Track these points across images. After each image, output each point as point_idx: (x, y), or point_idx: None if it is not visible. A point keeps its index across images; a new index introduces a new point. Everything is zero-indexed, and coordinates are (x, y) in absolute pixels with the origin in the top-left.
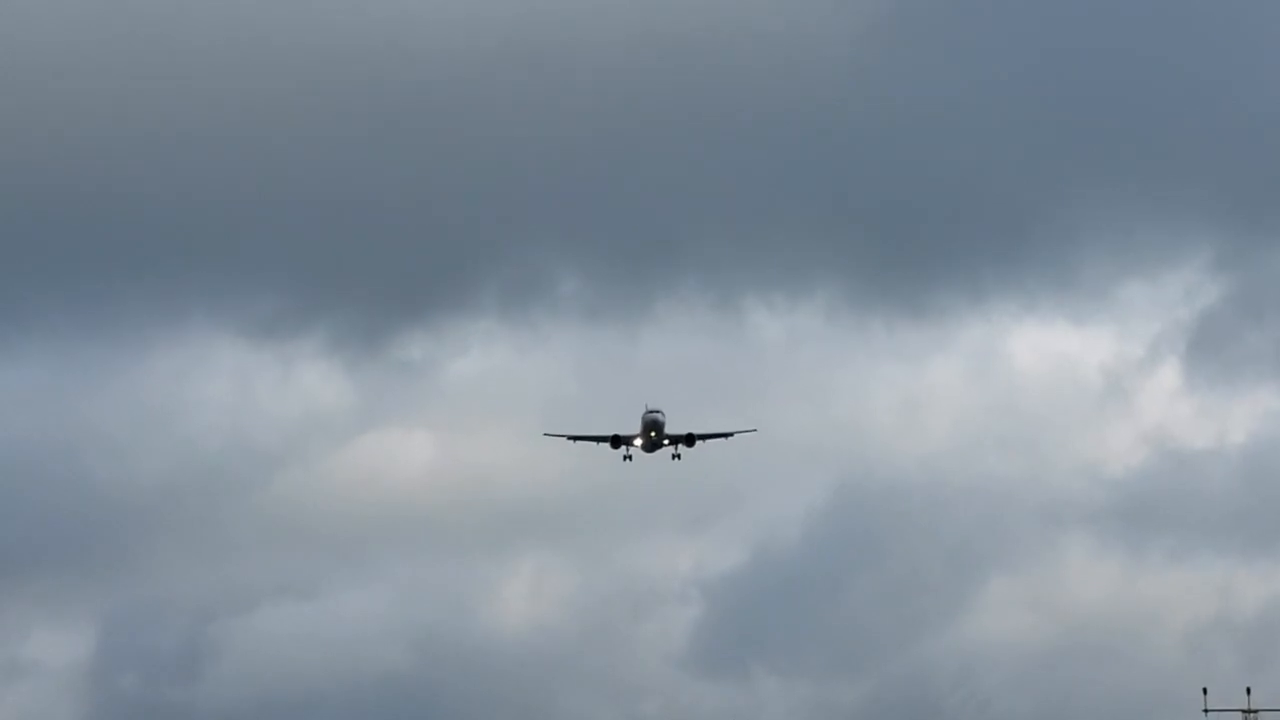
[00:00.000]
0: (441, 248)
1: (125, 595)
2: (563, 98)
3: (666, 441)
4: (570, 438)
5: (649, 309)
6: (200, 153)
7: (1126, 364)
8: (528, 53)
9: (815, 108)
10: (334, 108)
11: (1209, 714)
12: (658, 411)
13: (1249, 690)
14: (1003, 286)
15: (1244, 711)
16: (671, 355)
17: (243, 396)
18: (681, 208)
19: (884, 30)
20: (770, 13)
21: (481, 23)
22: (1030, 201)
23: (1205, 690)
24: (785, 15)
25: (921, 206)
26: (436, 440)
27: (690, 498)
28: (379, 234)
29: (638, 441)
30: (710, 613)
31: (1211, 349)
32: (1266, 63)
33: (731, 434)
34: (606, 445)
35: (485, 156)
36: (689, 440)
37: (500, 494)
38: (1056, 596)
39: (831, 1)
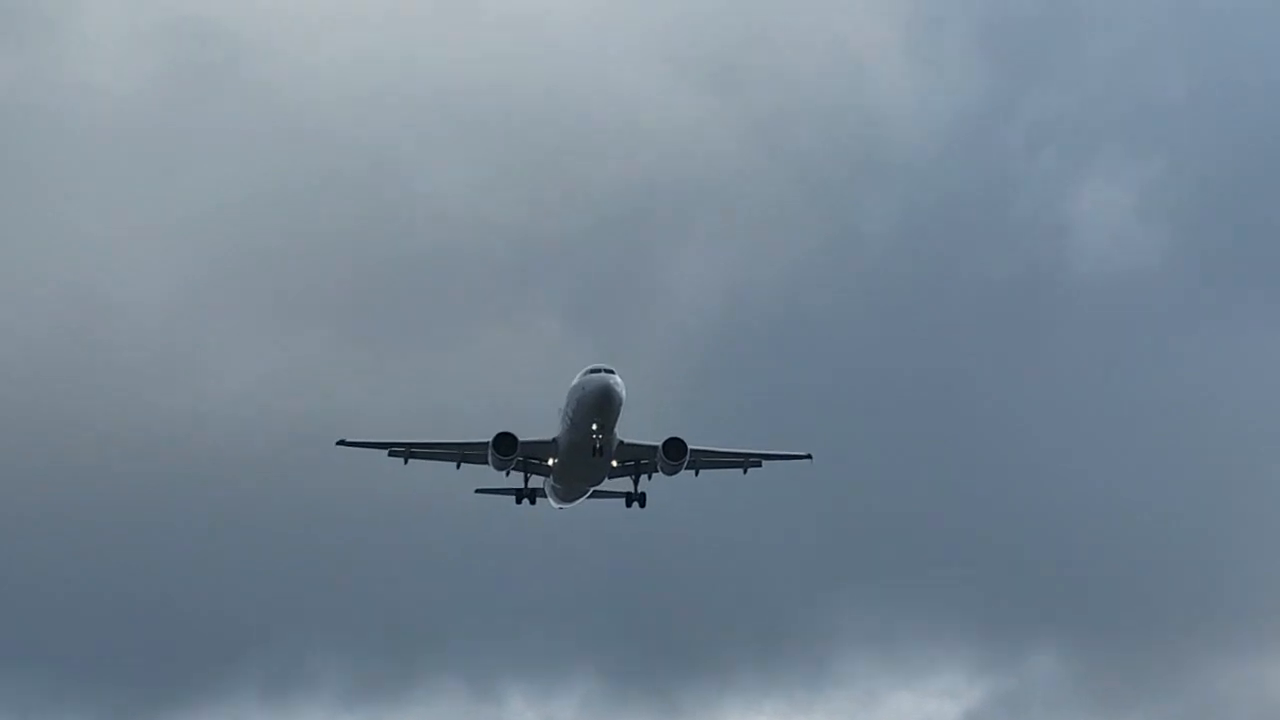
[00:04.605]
0: (198, 633)
1: None
2: None
3: (614, 462)
4: (403, 449)
5: (408, 695)
6: None
7: None
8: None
9: None
10: (75, 475)
11: None
12: (609, 371)
13: None
14: (764, 686)
15: None
16: None
17: None
18: (440, 600)
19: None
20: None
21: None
22: (790, 604)
23: None
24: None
25: (682, 603)
26: None
27: None
28: (132, 618)
29: (552, 460)
30: None
31: None
32: (1014, 468)
33: (756, 458)
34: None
35: (242, 537)
36: (676, 455)
37: None
38: None
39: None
